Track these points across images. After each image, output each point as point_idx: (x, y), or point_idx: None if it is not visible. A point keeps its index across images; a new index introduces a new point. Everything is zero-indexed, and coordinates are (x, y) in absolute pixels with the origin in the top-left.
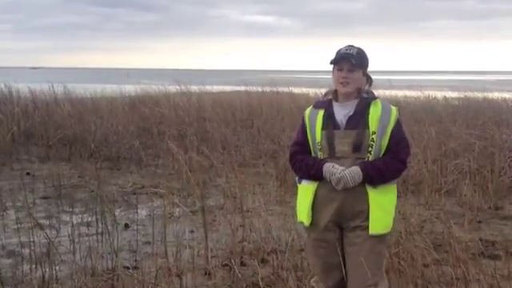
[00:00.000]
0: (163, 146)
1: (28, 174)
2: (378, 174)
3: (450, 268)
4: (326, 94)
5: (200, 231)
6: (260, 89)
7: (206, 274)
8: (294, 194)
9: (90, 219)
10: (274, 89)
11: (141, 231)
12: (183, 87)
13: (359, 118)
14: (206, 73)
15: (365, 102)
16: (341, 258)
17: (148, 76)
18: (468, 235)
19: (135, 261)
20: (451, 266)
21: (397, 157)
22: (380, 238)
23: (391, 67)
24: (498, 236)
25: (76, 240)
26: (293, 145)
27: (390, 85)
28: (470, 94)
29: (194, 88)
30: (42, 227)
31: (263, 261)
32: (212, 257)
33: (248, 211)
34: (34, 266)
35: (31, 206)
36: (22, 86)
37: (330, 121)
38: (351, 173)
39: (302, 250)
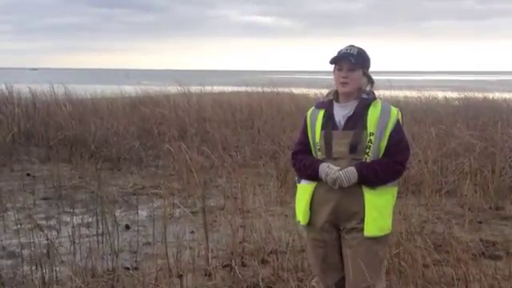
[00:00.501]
0: (163, 146)
1: (28, 174)
2: (373, 174)
3: (451, 268)
4: (328, 95)
5: (200, 232)
6: (260, 89)
7: (206, 274)
8: (295, 194)
9: (90, 220)
10: (274, 89)
11: (141, 232)
12: (183, 88)
13: (358, 119)
14: (205, 73)
15: (365, 102)
16: (340, 259)
17: (148, 77)
18: (469, 235)
19: (135, 261)
20: (452, 266)
21: (395, 158)
22: (377, 239)
23: (391, 67)
24: (499, 236)
25: (76, 241)
26: (295, 145)
27: (390, 85)
28: (470, 94)
29: (194, 88)
30: (42, 228)
31: (264, 261)
32: (212, 257)
33: (248, 212)
34: (34, 267)
35: (31, 206)
36: (23, 87)
37: (329, 121)
38: (346, 173)
39: (303, 250)
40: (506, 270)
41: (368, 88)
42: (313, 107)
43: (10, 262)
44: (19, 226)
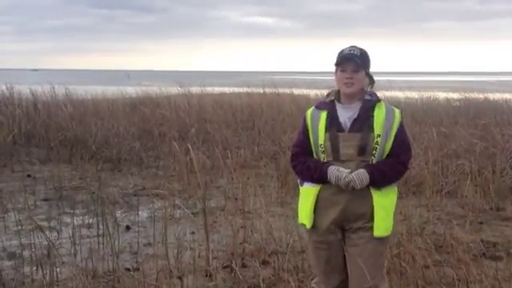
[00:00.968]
0: (164, 147)
1: (29, 175)
2: (382, 176)
3: (452, 269)
4: (328, 95)
5: (201, 233)
6: (261, 90)
7: (207, 275)
8: (295, 195)
9: (90, 221)
10: (275, 90)
11: (142, 233)
12: (184, 88)
13: (364, 121)
14: (206, 74)
15: (369, 104)
16: (343, 260)
17: (148, 77)
18: (469, 236)
19: (136, 262)
20: (452, 267)
21: (399, 159)
22: (382, 240)
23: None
24: (500, 237)
25: (77, 242)
26: (294, 146)
27: (391, 86)
28: (470, 95)
29: (195, 89)
30: (42, 229)
31: (264, 262)
32: (213, 258)
33: (249, 212)
34: (34, 268)
35: (32, 207)
36: (23, 88)
37: (333, 123)
38: (359, 175)
39: (303, 251)
40: (506, 270)
41: (369, 88)
42: (312, 108)
43: (10, 262)
44: (20, 227)
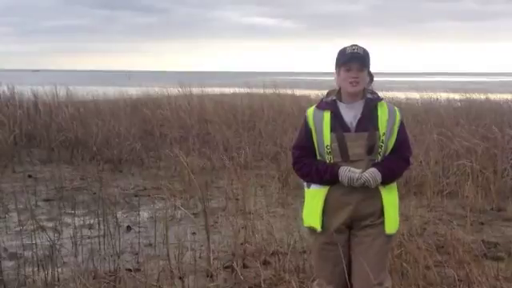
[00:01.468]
0: (165, 148)
1: (30, 176)
2: (392, 173)
3: (453, 270)
4: (329, 94)
5: (202, 233)
6: (262, 91)
7: (208, 276)
8: (296, 195)
9: (92, 221)
10: (276, 91)
11: (143, 233)
12: (185, 89)
13: (368, 120)
14: (207, 75)
15: (371, 102)
16: (348, 262)
17: (149, 78)
18: (470, 237)
19: (137, 263)
20: (454, 267)
21: (402, 156)
22: (390, 237)
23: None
24: (501, 237)
25: (78, 242)
26: (296, 148)
27: (392, 86)
28: (471, 96)
29: (196, 90)
30: (44, 229)
31: (265, 263)
32: (214, 259)
33: (250, 213)
34: (36, 269)
35: (33, 208)
36: (24, 89)
37: (338, 123)
38: (372, 174)
39: (305, 251)
40: (507, 271)
41: (370, 86)
42: (313, 107)
43: (12, 263)
44: (21, 228)
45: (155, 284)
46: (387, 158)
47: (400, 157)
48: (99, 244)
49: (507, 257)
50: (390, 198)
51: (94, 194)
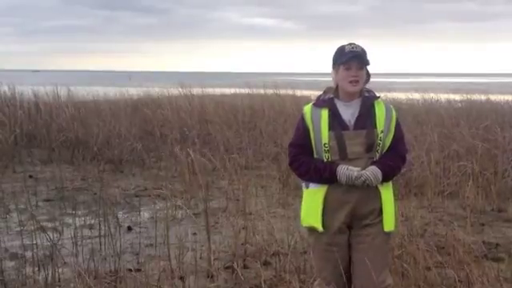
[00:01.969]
0: (165, 148)
1: (31, 176)
2: (391, 171)
3: (453, 271)
4: (326, 92)
5: (203, 233)
6: (262, 91)
7: (208, 276)
8: (297, 196)
9: (92, 222)
10: (276, 91)
11: (143, 233)
12: (185, 90)
13: (366, 118)
14: (207, 75)
15: (368, 100)
16: (349, 262)
17: (150, 79)
18: (471, 238)
19: (138, 263)
20: (454, 268)
21: (399, 153)
22: (389, 235)
23: (393, 69)
24: (501, 238)
25: (79, 242)
26: (292, 146)
27: (392, 87)
28: (472, 97)
29: (196, 90)
30: (44, 230)
31: (266, 263)
32: (215, 259)
33: (251, 214)
34: (36, 269)
35: (34, 208)
36: (25, 89)
37: (336, 121)
38: (373, 173)
39: (305, 252)
40: (508, 272)
41: (367, 85)
42: (309, 105)
43: (12, 263)
44: (22, 228)
45: (156, 284)
46: (385, 156)
47: (397, 154)
48: (100, 244)
49: (508, 258)
50: (388, 194)
51: (95, 194)
